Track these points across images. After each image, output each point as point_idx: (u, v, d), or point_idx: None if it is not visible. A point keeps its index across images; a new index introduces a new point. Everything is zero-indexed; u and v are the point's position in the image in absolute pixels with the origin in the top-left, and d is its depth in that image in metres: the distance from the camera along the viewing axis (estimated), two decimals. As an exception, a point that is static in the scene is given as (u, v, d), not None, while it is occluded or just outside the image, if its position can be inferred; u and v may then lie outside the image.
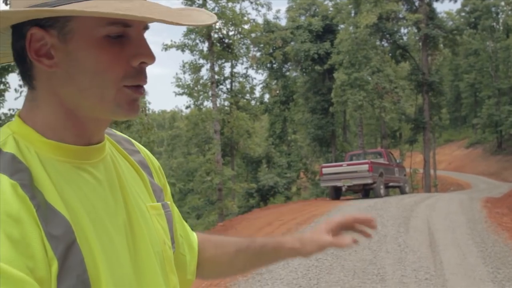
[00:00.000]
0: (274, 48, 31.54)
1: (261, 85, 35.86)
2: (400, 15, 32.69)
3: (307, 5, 36.77)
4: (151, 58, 0.85)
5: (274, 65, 35.68)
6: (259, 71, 35.06)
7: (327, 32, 33.58)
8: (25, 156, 0.80)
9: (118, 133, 1.07)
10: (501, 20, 48.39)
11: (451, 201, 15.06)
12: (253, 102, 30.23)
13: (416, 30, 33.82)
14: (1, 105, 14.51)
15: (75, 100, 0.84)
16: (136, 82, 0.85)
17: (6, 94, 14.49)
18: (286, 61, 35.07)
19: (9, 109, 14.05)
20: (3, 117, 14.69)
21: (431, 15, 32.72)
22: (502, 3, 44.75)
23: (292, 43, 34.03)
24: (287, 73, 37.11)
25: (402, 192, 21.02)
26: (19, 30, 0.82)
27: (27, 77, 0.84)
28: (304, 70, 35.07)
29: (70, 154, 0.85)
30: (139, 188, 0.97)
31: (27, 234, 0.72)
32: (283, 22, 36.34)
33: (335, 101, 30.09)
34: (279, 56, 30.12)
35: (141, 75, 0.85)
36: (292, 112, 36.54)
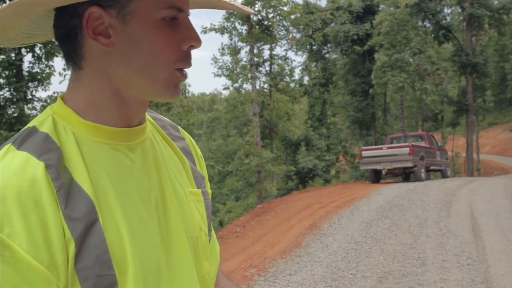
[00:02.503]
0: (314, 29, 31.22)
1: (300, 67, 35.71)
2: (444, -5, 31.82)
3: (347, -15, 36.18)
4: (199, 42, 0.87)
5: (314, 47, 35.36)
6: (299, 53, 34.90)
7: (368, 13, 32.99)
8: (60, 136, 0.82)
9: (166, 119, 1.07)
10: (550, -1, 46.53)
11: (494, 185, 14.73)
12: (292, 85, 30.11)
13: (460, 10, 32.89)
14: (47, 87, 14.88)
15: (125, 80, 0.85)
16: (184, 66, 0.87)
17: (52, 77, 14.87)
18: (326, 42, 34.70)
19: (54, 92, 14.42)
20: (48, 100, 15.07)
21: (476, -6, 31.73)
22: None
23: (332, 24, 33.60)
24: (327, 55, 36.74)
25: (444, 176, 20.67)
26: (74, 10, 0.82)
27: (75, 57, 0.85)
28: (343, 51, 34.61)
29: (108, 135, 0.86)
30: (179, 173, 0.98)
31: (45, 216, 0.74)
32: (323, 3, 35.95)
33: (375, 83, 29.64)
34: (319, 37, 29.77)
35: (189, 59, 0.88)
36: (332, 95, 36.22)
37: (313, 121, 34.57)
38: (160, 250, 0.86)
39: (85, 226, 0.77)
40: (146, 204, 0.87)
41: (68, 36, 0.84)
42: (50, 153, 0.79)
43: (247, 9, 0.91)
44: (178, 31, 0.85)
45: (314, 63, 36.02)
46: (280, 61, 28.03)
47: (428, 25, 32.86)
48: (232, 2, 0.84)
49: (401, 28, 28.62)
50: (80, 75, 0.86)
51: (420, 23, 31.55)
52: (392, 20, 28.60)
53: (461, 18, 33.64)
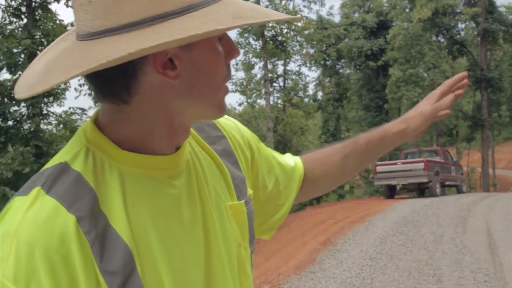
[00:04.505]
0: (328, 45, 31.29)
1: (314, 83, 35.67)
2: (457, 10, 31.80)
3: (361, 1, 36.29)
4: (239, 52, 0.84)
5: (328, 62, 35.38)
6: (312, 68, 34.86)
7: (381, 28, 33.03)
8: (96, 173, 0.76)
9: None
10: None
11: (511, 201, 14.56)
12: (306, 100, 30.12)
13: (474, 25, 32.80)
14: (62, 103, 15.04)
15: (182, 109, 0.80)
16: (229, 80, 0.84)
17: (67, 93, 15.01)
18: (340, 58, 34.72)
19: (69, 107, 14.56)
20: (63, 115, 15.21)
21: (490, 9, 31.65)
22: None
23: (346, 39, 33.67)
24: (341, 70, 36.73)
25: (459, 191, 20.48)
26: None
27: (126, 93, 0.76)
28: (357, 67, 34.62)
29: (153, 165, 0.81)
30: (220, 186, 0.93)
31: (75, 273, 0.70)
32: (336, 19, 36.06)
33: (390, 97, 29.59)
34: (333, 53, 29.84)
35: (230, 72, 0.85)
36: (346, 110, 36.15)
37: (327, 136, 34.48)
38: (202, 285, 0.84)
39: (123, 279, 0.73)
40: (189, 235, 0.83)
41: (121, 73, 0.74)
42: (82, 201, 0.73)
43: (294, 17, 0.83)
44: (223, 46, 0.81)
45: (328, 78, 36.02)
46: (294, 77, 28.10)
47: (442, 40, 32.82)
48: (278, 13, 0.78)
49: (415, 43, 28.62)
50: (125, 109, 0.78)
51: (434, 38, 31.53)
52: (406, 34, 28.62)
53: (475, 33, 33.53)
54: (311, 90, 37.29)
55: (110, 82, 0.75)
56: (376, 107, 33.30)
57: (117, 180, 0.77)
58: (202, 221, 0.86)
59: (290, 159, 1.22)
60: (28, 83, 0.77)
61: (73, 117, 15.58)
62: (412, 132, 1.21)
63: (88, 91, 15.82)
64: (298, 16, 0.86)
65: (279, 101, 26.30)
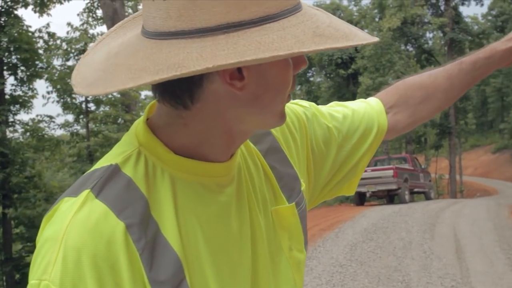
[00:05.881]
0: (298, 53, 31.55)
1: (285, 91, 35.99)
2: (425, 20, 32.42)
3: (332, 10, 36.74)
4: (306, 64, 0.80)
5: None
6: (283, 76, 35.18)
7: (351, 37, 33.48)
8: (148, 178, 0.74)
9: None
10: (529, 24, 47.60)
11: (477, 207, 14.84)
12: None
13: (441, 34, 33.50)
14: (30, 110, 14.82)
15: (243, 118, 0.76)
16: (293, 90, 0.80)
17: (34, 100, 14.80)
18: (310, 66, 35.05)
19: (37, 115, 14.35)
20: (30, 123, 14.98)
21: (457, 19, 32.39)
22: (530, 6, 44.00)
23: (316, 48, 34.00)
24: (311, 78, 37.08)
25: (427, 198, 20.78)
26: None
27: (188, 99, 0.72)
28: (328, 75, 35.00)
29: (207, 172, 0.78)
30: (266, 190, 0.89)
31: (121, 282, 0.67)
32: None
33: (359, 106, 29.92)
34: (303, 61, 30.10)
35: (295, 82, 0.80)
36: (316, 117, 36.49)
37: (298, 144, 34.72)
38: None
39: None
40: (238, 244, 0.81)
41: (187, 80, 0.69)
42: (132, 207, 0.70)
43: (374, 41, 0.77)
44: (293, 57, 0.75)
45: (299, 86, 36.30)
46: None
47: (411, 48, 33.39)
48: (356, 31, 0.74)
49: (385, 52, 29.05)
50: (183, 114, 0.74)
51: (403, 47, 32.06)
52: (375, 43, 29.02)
53: (442, 42, 34.25)
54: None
55: (173, 87, 0.71)
56: (346, 115, 33.65)
57: (169, 185, 0.75)
58: (250, 230, 0.83)
59: (363, 106, 1.15)
60: (87, 77, 0.72)
61: (41, 125, 15.36)
62: None
63: (56, 98, 15.60)
64: (377, 39, 0.81)
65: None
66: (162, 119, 0.77)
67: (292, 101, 0.99)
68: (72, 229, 0.67)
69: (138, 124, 0.79)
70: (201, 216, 0.77)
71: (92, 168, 0.75)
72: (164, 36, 0.68)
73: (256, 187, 0.87)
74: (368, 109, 1.14)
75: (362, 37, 0.73)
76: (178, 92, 0.71)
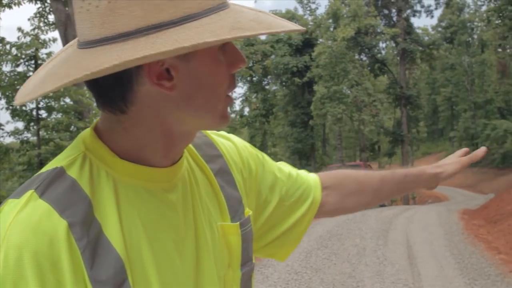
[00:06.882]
0: (254, 61, 31.68)
1: (241, 99, 35.99)
2: (378, 30, 33.15)
3: (287, 19, 36.92)
4: (245, 62, 0.81)
5: (254, 79, 35.82)
6: (239, 84, 35.19)
7: (307, 46, 33.86)
8: (93, 180, 0.75)
9: (203, 134, 0.99)
10: (476, 36, 49.34)
11: (429, 213, 15.19)
12: (233, 115, 30.27)
13: (394, 45, 34.30)
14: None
15: (181, 119, 0.78)
16: (233, 89, 0.82)
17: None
18: (266, 74, 35.25)
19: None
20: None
21: (409, 30, 33.26)
22: (477, 19, 45.62)
23: (272, 56, 34.23)
24: (267, 87, 37.28)
25: (381, 204, 21.14)
26: None
27: (121, 103, 0.74)
28: (283, 83, 35.26)
29: (150, 177, 0.79)
30: (212, 205, 0.91)
31: (63, 280, 0.68)
32: (263, 36, 36.51)
33: (315, 114, 30.28)
34: (259, 69, 30.24)
35: (236, 81, 0.82)
36: (272, 126, 36.65)
37: (254, 152, 34.76)
38: None
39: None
40: (181, 249, 0.81)
41: (116, 83, 0.72)
42: (76, 206, 0.71)
43: (299, 29, 0.79)
44: (226, 55, 0.78)
45: (255, 94, 36.44)
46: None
47: (364, 58, 34.07)
48: (284, 24, 0.75)
49: (339, 61, 29.53)
50: (122, 119, 0.76)
51: (357, 56, 32.67)
52: (330, 52, 29.47)
53: (395, 52, 35.07)
54: (237, 106, 37.56)
55: (106, 91, 0.74)
56: (301, 123, 33.96)
57: (112, 188, 0.76)
58: (195, 237, 0.85)
59: (305, 174, 1.20)
60: (27, 89, 0.76)
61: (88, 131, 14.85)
62: (446, 177, 1.25)
63: (5, 105, 15.15)
64: (304, 28, 0.82)
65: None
66: (105, 124, 0.79)
67: (245, 144, 1.06)
68: (15, 227, 0.68)
69: (86, 131, 0.81)
70: (144, 219, 0.77)
71: (38, 172, 0.76)
72: (91, 44, 0.70)
73: (203, 200, 0.89)
74: (309, 178, 1.18)
75: (286, 26, 0.75)
76: (111, 96, 0.74)
